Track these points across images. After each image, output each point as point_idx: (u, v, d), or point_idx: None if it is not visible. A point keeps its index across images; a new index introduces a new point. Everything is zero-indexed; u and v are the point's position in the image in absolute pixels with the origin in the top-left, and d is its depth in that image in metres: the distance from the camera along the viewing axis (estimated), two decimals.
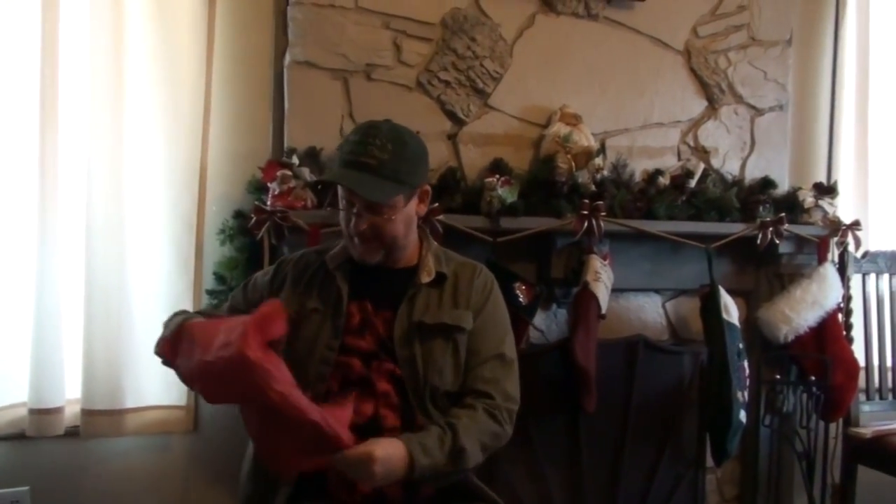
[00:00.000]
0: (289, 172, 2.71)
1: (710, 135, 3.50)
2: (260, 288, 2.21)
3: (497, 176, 2.92)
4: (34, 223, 2.71)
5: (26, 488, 2.81)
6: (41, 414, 2.73)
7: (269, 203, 2.69)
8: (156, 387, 2.90)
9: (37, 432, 2.74)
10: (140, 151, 2.84)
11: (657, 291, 3.41)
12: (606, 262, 3.02)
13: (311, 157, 2.83)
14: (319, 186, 2.54)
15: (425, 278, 2.08)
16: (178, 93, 2.88)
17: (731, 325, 3.11)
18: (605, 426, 3.14)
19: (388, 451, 1.79)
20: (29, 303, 2.72)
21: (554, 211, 2.97)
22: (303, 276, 2.15)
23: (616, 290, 3.11)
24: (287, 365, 1.84)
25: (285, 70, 2.94)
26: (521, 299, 2.83)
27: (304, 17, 2.92)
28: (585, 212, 2.91)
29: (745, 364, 3.13)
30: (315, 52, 2.93)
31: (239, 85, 3.02)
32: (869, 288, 3.48)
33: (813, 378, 3.31)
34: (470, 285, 2.11)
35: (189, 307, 2.89)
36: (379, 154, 1.96)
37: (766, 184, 3.42)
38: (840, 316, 3.40)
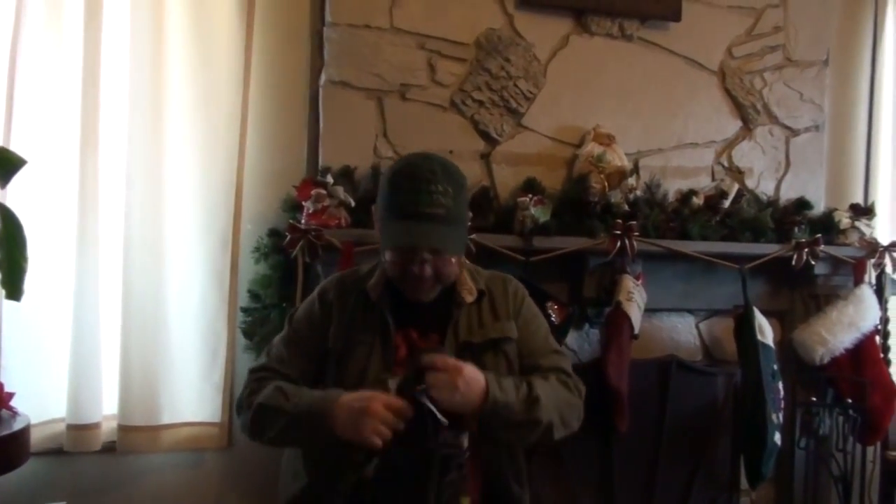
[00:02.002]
0: (323, 191, 2.73)
1: (745, 155, 3.49)
2: (308, 335, 2.06)
3: (530, 195, 2.93)
4: (73, 241, 2.76)
5: (63, 503, 2.85)
6: (79, 430, 2.77)
7: (303, 221, 2.72)
8: (191, 403, 2.93)
9: (74, 447, 2.78)
10: (177, 170, 2.89)
11: (690, 312, 3.39)
12: (639, 282, 3.01)
13: (345, 175, 2.85)
14: (353, 204, 2.54)
15: (469, 298, 2.03)
16: (215, 112, 2.92)
17: (765, 346, 3.09)
18: (637, 447, 3.12)
19: (473, 374, 1.81)
20: (67, 320, 2.76)
21: (587, 230, 2.98)
22: (345, 305, 2.04)
23: (649, 311, 3.10)
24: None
25: (320, 90, 2.97)
26: (553, 319, 2.82)
27: (339, 37, 2.96)
28: (618, 231, 2.91)
29: (780, 386, 3.11)
30: (350, 72, 2.96)
31: (275, 104, 3.06)
32: None
33: (850, 400, 3.28)
34: (504, 295, 2.09)
35: (224, 325, 2.92)
36: (444, 201, 1.87)
37: (802, 204, 3.40)
38: (878, 338, 3.36)
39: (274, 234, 2.87)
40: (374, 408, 1.75)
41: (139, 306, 2.84)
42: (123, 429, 2.84)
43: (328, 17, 2.95)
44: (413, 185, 1.88)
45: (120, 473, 2.92)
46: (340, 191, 2.76)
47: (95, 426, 2.80)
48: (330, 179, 2.77)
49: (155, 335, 2.86)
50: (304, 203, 2.75)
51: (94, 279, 2.78)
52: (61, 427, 2.79)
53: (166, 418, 2.89)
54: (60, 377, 2.77)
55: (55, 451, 2.81)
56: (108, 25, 2.81)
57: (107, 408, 2.84)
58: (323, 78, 2.96)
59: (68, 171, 2.77)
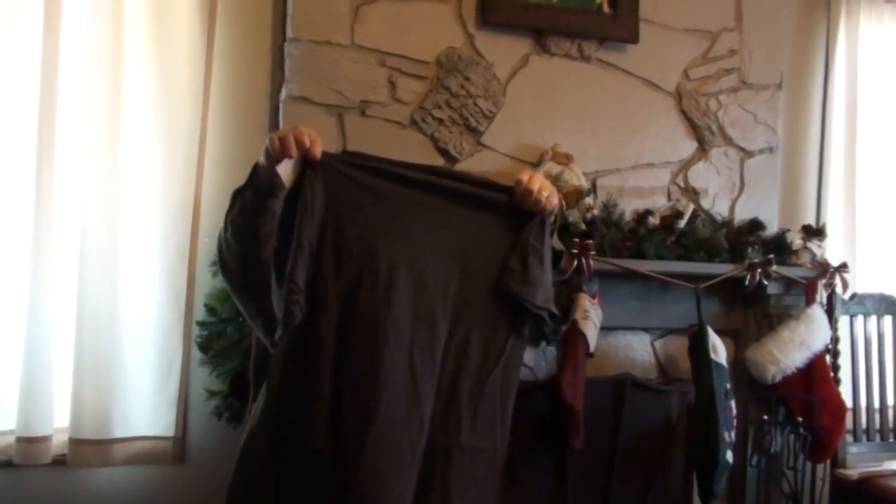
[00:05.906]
0: None
1: (700, 176, 3.53)
2: None
3: None
4: (28, 253, 2.74)
5: None
6: (29, 442, 2.74)
7: None
8: (144, 417, 2.91)
9: (24, 461, 2.75)
10: (135, 183, 2.88)
11: (646, 330, 3.42)
12: (595, 301, 3.03)
13: None
14: None
15: None
16: (175, 126, 2.92)
17: (718, 364, 3.11)
18: (592, 465, 3.13)
19: None
20: (20, 331, 2.74)
21: None
22: None
23: (605, 329, 3.11)
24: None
25: (281, 105, 2.97)
26: None
27: (300, 53, 2.96)
28: (575, 251, 2.93)
29: (733, 404, 3.13)
30: (311, 87, 2.97)
31: (235, 119, 3.06)
32: (857, 330, 3.51)
33: (800, 419, 3.31)
34: None
35: (179, 339, 2.91)
36: None
37: (755, 225, 3.44)
38: (828, 357, 3.40)
39: None
40: (293, 130, 1.97)
41: (93, 318, 2.82)
42: (75, 442, 2.82)
43: (289, 33, 2.96)
44: None
45: (70, 487, 2.89)
46: None
47: (46, 439, 2.77)
48: None
49: (109, 347, 2.84)
50: None
51: (48, 290, 2.75)
52: (11, 440, 2.76)
53: (119, 432, 2.87)
54: (11, 389, 2.74)
55: (4, 464, 2.78)
56: (66, 39, 2.80)
57: (58, 420, 2.82)
58: (283, 93, 2.96)
59: (24, 183, 2.75)
